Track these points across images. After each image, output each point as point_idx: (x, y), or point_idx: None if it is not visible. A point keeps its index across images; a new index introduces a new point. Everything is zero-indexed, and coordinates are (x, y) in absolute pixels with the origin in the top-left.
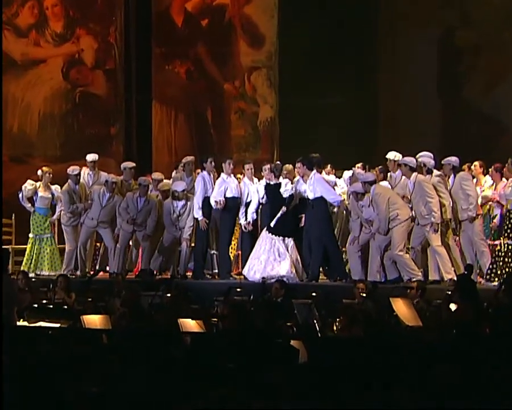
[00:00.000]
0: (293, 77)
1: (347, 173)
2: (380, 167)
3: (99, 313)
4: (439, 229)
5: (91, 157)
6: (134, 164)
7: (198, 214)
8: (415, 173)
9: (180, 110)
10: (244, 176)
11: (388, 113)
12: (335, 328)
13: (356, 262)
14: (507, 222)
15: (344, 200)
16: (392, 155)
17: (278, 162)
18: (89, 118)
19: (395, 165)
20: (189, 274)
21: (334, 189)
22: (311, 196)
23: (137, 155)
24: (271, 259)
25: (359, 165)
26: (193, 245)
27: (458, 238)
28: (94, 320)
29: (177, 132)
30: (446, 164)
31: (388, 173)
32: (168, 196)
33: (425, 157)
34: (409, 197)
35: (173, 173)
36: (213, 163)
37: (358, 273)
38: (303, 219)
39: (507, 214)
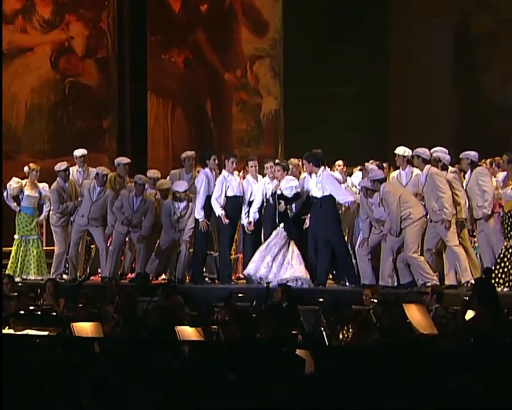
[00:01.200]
0: (299, 67)
1: (357, 174)
2: (377, 162)
3: (91, 320)
4: (451, 227)
5: (79, 152)
6: (129, 160)
7: (199, 215)
8: (428, 166)
9: (178, 102)
10: (244, 172)
11: (399, 104)
12: (344, 336)
13: (366, 266)
14: (509, 223)
15: (355, 200)
16: (401, 151)
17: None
18: (79, 111)
19: (404, 161)
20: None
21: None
22: (319, 195)
23: (131, 150)
24: (284, 261)
25: (368, 164)
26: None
27: (474, 239)
28: (85, 328)
29: (174, 126)
30: (464, 159)
31: (397, 170)
32: (167, 195)
33: (440, 152)
34: (421, 192)
35: (172, 171)
36: (216, 161)
37: (368, 277)
38: (307, 220)
39: (508, 215)
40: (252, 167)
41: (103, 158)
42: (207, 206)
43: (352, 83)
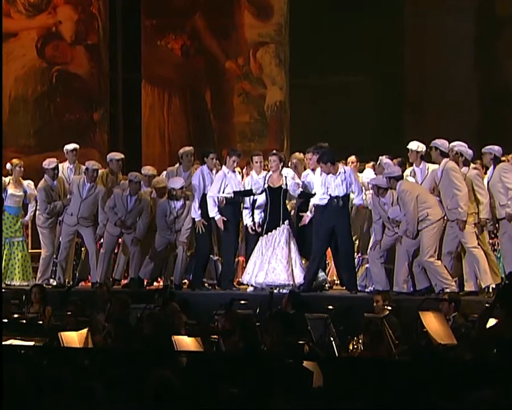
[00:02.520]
0: (306, 54)
1: (368, 173)
2: (399, 159)
3: (80, 329)
4: (468, 227)
5: (71, 146)
6: (122, 156)
7: (195, 214)
8: (445, 159)
9: (174, 92)
10: (248, 169)
11: (415, 96)
12: (355, 346)
13: (379, 270)
14: None
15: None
16: (414, 146)
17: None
18: (68, 102)
19: (418, 157)
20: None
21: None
22: (341, 192)
23: (124, 145)
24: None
25: (383, 158)
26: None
27: (497, 241)
28: (73, 338)
29: (171, 119)
30: (486, 153)
31: (411, 167)
32: (164, 194)
33: (462, 146)
34: (438, 187)
35: (168, 168)
36: (214, 160)
37: (381, 282)
38: (306, 218)
39: None
40: (257, 162)
41: (94, 153)
42: (204, 206)
43: (364, 72)
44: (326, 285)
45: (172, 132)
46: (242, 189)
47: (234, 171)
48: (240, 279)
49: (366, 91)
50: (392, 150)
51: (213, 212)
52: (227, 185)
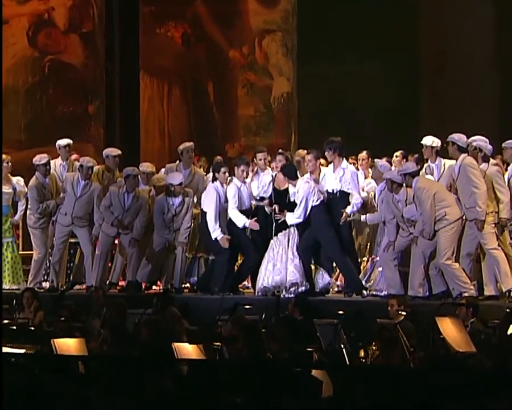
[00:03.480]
0: (315, 42)
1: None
2: (415, 155)
3: (74, 336)
4: (488, 227)
5: (64, 142)
6: (119, 152)
7: (216, 232)
8: (463, 155)
9: (175, 83)
10: (252, 165)
11: (431, 84)
12: (367, 354)
13: (392, 273)
14: None
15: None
16: (429, 141)
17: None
18: (61, 94)
19: (432, 152)
20: (187, 286)
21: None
22: (337, 187)
23: (121, 139)
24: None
25: (397, 153)
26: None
27: None
28: (67, 345)
29: (171, 112)
30: (508, 148)
31: (426, 164)
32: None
33: (480, 141)
34: (455, 185)
35: (167, 165)
36: (226, 174)
37: (395, 285)
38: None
39: None
40: (261, 160)
41: (89, 148)
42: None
43: (377, 60)
44: (335, 289)
45: (172, 126)
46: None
47: (244, 182)
48: (246, 283)
49: (379, 80)
50: (407, 144)
51: (241, 221)
52: (240, 198)
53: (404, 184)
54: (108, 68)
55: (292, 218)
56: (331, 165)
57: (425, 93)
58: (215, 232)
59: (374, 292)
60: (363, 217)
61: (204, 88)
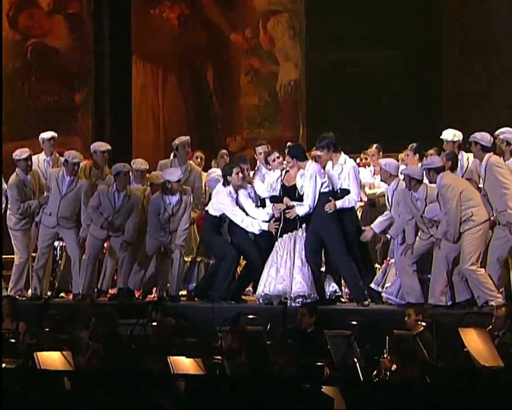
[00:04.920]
0: (325, 24)
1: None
2: (447, 152)
3: (60, 349)
4: None
5: (48, 135)
6: (109, 147)
7: (257, 226)
8: (488, 155)
9: (170, 69)
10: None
11: (453, 72)
12: (383, 369)
13: (410, 280)
14: None
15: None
16: (449, 135)
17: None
18: (45, 81)
19: (454, 147)
20: (183, 293)
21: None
22: (336, 185)
23: (111, 131)
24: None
25: (432, 151)
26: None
27: None
28: (52, 359)
29: (167, 101)
30: None
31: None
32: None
33: (509, 133)
34: (477, 181)
35: (161, 161)
36: (240, 175)
37: (413, 293)
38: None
39: None
40: (261, 154)
41: (76, 141)
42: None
43: (393, 46)
44: (342, 299)
45: (167, 117)
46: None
47: (250, 182)
48: (250, 288)
49: (396, 67)
50: (425, 137)
51: (263, 225)
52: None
53: (423, 181)
54: (97, 53)
55: (302, 208)
56: (330, 163)
57: (446, 84)
58: (257, 226)
59: (384, 295)
60: (388, 236)
61: (203, 75)
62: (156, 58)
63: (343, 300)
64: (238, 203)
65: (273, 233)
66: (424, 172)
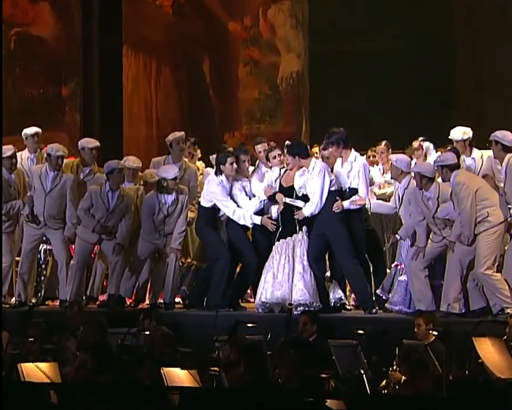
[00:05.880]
0: (330, 12)
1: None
2: (448, 149)
3: (45, 360)
4: None
5: (30, 131)
6: (97, 143)
7: (249, 219)
8: (509, 155)
9: (164, 60)
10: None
11: (466, 61)
12: (391, 381)
13: (422, 285)
14: None
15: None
16: (459, 134)
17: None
18: (29, 73)
19: (466, 145)
20: (179, 300)
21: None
22: (345, 184)
23: (101, 127)
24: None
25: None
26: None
27: None
28: (37, 370)
29: (160, 94)
30: None
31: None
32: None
33: None
34: (494, 178)
35: (154, 159)
36: (234, 165)
37: (424, 300)
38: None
39: None
40: (260, 152)
41: (63, 137)
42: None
43: (403, 37)
44: (347, 306)
45: (161, 111)
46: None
47: (247, 176)
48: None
49: (405, 60)
50: (436, 134)
51: (256, 218)
52: (229, 195)
53: (435, 179)
54: (85, 42)
55: (310, 207)
56: (339, 160)
57: (458, 76)
58: (249, 219)
59: (388, 306)
60: (397, 236)
61: (199, 67)
62: (149, 48)
63: (348, 307)
64: (231, 195)
65: (269, 229)
66: (437, 169)
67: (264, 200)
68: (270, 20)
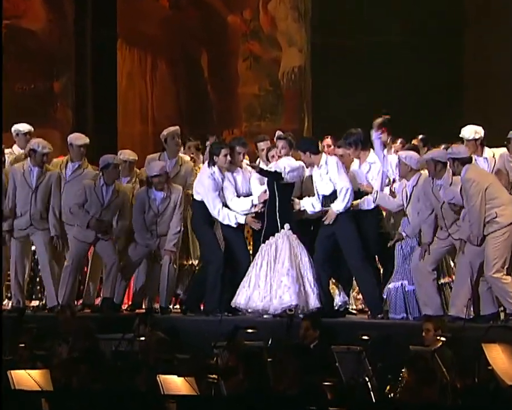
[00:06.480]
0: (334, 5)
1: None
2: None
3: (37, 367)
4: None
5: (23, 127)
6: (86, 140)
7: (233, 218)
8: None
9: (160, 55)
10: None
11: (475, 59)
12: (397, 389)
13: (429, 288)
14: None
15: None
16: (470, 133)
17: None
18: (20, 67)
19: (477, 145)
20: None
21: None
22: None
23: (94, 123)
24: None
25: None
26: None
27: None
28: (28, 378)
29: (156, 90)
30: None
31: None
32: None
33: None
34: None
35: (149, 156)
36: (228, 157)
37: (432, 304)
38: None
39: None
40: (263, 150)
41: (54, 134)
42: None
43: (409, 31)
44: (353, 311)
45: (157, 108)
46: (247, 187)
47: (240, 166)
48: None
49: (411, 54)
50: (445, 132)
51: (247, 205)
52: (220, 189)
53: (447, 166)
54: (78, 36)
55: (341, 203)
56: (356, 161)
57: (467, 70)
58: (233, 218)
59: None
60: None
61: (197, 61)
62: (145, 42)
63: (354, 312)
64: (222, 187)
65: (254, 228)
66: (448, 162)
67: (255, 205)
68: (271, 13)
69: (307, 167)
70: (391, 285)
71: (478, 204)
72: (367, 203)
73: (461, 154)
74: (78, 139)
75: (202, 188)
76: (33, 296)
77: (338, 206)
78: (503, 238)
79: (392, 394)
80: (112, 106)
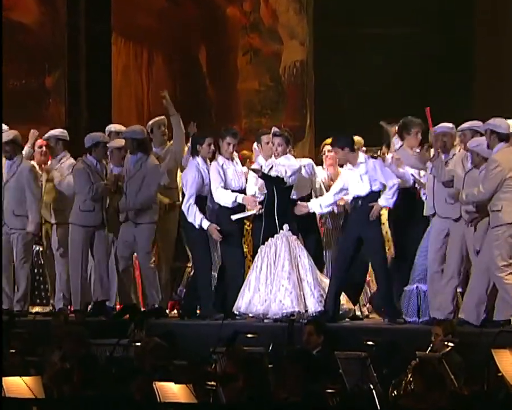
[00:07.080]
0: None
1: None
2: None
3: (28, 373)
4: None
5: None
6: (64, 134)
7: (199, 220)
8: None
9: (157, 49)
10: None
11: (485, 51)
12: (403, 395)
13: (440, 290)
14: None
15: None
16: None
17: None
18: (10, 62)
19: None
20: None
21: None
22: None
23: (88, 120)
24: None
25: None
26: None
27: None
28: (18, 385)
29: (152, 85)
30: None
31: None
32: None
33: None
34: None
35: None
36: (211, 146)
37: (442, 307)
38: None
39: None
40: (267, 143)
41: (46, 132)
42: (201, 208)
43: (415, 22)
44: (360, 315)
45: (153, 103)
46: (243, 181)
47: (231, 159)
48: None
49: (418, 47)
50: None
51: (230, 198)
52: (225, 179)
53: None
54: (71, 29)
55: (390, 199)
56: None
57: (476, 65)
58: (199, 220)
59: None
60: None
61: (195, 56)
62: (140, 36)
63: (361, 316)
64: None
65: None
66: (486, 132)
67: (237, 204)
68: (271, 5)
69: (340, 165)
70: (407, 287)
71: (494, 187)
72: (393, 196)
73: (501, 128)
74: (60, 133)
75: (184, 180)
76: (37, 301)
77: (387, 202)
78: (503, 237)
79: (397, 401)
80: (106, 102)
